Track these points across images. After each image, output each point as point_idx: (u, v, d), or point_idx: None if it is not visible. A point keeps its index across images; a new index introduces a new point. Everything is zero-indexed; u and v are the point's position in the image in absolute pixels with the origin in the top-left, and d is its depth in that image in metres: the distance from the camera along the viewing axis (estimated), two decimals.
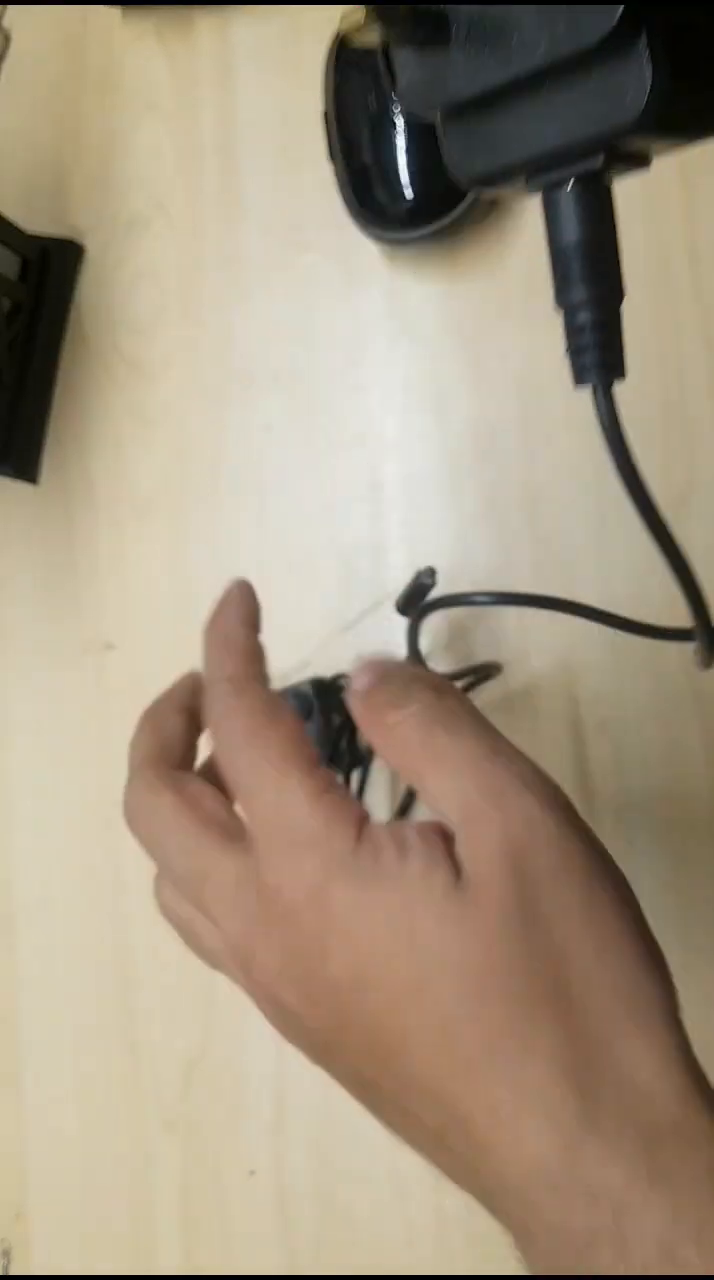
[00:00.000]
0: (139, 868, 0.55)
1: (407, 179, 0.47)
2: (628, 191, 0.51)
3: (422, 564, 0.51)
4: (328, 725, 0.44)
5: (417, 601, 0.44)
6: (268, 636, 0.53)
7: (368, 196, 0.48)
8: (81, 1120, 0.54)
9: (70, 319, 0.57)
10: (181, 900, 0.31)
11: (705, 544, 0.48)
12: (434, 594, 0.43)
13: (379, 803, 0.51)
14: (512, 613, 0.50)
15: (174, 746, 0.32)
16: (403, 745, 0.28)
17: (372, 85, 0.48)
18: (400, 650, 0.51)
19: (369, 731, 0.29)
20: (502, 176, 0.25)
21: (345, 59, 0.49)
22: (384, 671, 0.30)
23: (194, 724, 0.33)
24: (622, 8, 0.20)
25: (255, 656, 0.31)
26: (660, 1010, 0.25)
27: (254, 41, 0.55)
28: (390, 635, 0.51)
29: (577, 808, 0.28)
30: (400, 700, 0.28)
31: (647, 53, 0.21)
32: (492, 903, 0.25)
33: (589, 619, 0.37)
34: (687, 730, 0.48)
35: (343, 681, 0.47)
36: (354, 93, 0.48)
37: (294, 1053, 0.52)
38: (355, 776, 0.48)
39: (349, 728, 0.45)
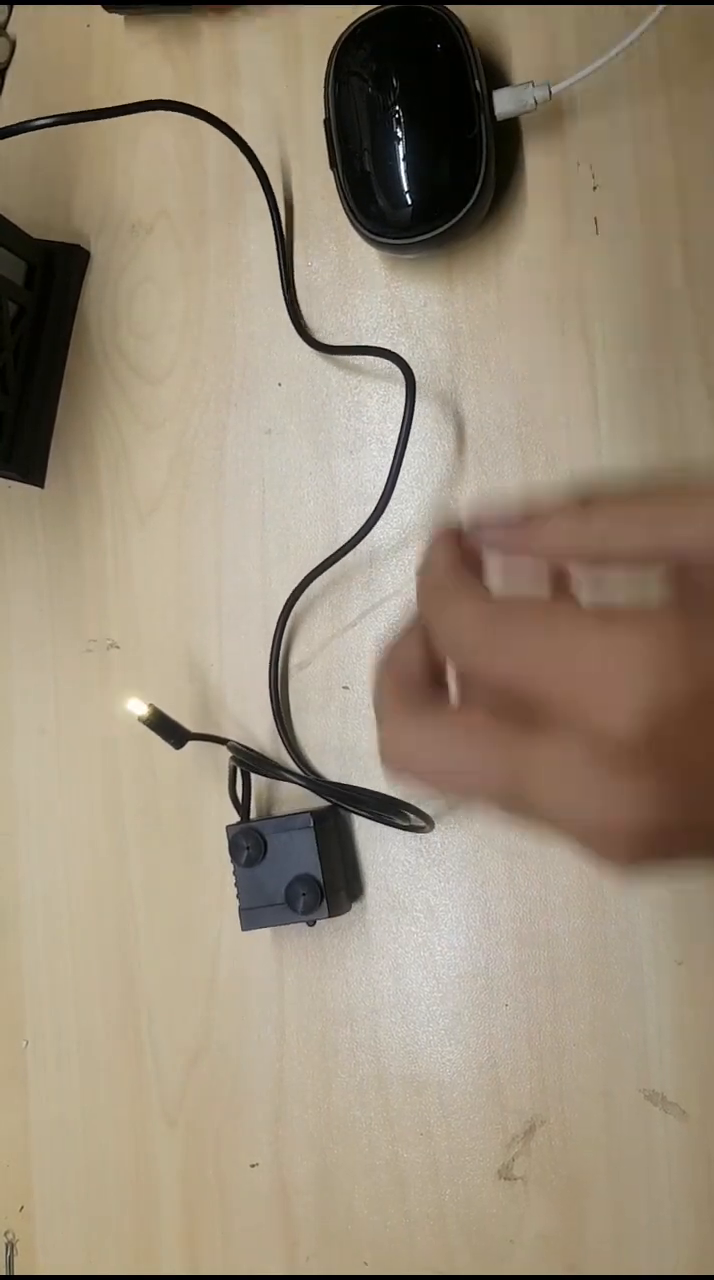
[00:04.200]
0: (143, 864, 0.55)
1: (407, 186, 0.48)
2: (628, 201, 0.52)
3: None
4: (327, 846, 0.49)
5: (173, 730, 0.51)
6: (267, 637, 0.53)
7: (368, 204, 0.49)
8: (85, 1113, 0.55)
9: (75, 324, 0.58)
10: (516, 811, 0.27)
11: None
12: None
13: None
14: None
15: (422, 679, 0.30)
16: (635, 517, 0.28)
17: (372, 94, 0.48)
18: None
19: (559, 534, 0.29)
20: None
21: (346, 68, 0.49)
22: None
23: (431, 655, 0.30)
24: None
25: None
26: None
27: (257, 49, 0.55)
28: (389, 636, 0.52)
29: None
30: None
31: None
32: None
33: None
34: None
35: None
36: (354, 101, 0.49)
37: (295, 1047, 0.53)
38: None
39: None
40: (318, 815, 0.49)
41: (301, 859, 0.49)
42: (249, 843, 0.49)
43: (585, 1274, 0.48)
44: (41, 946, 0.56)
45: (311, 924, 0.49)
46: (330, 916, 0.48)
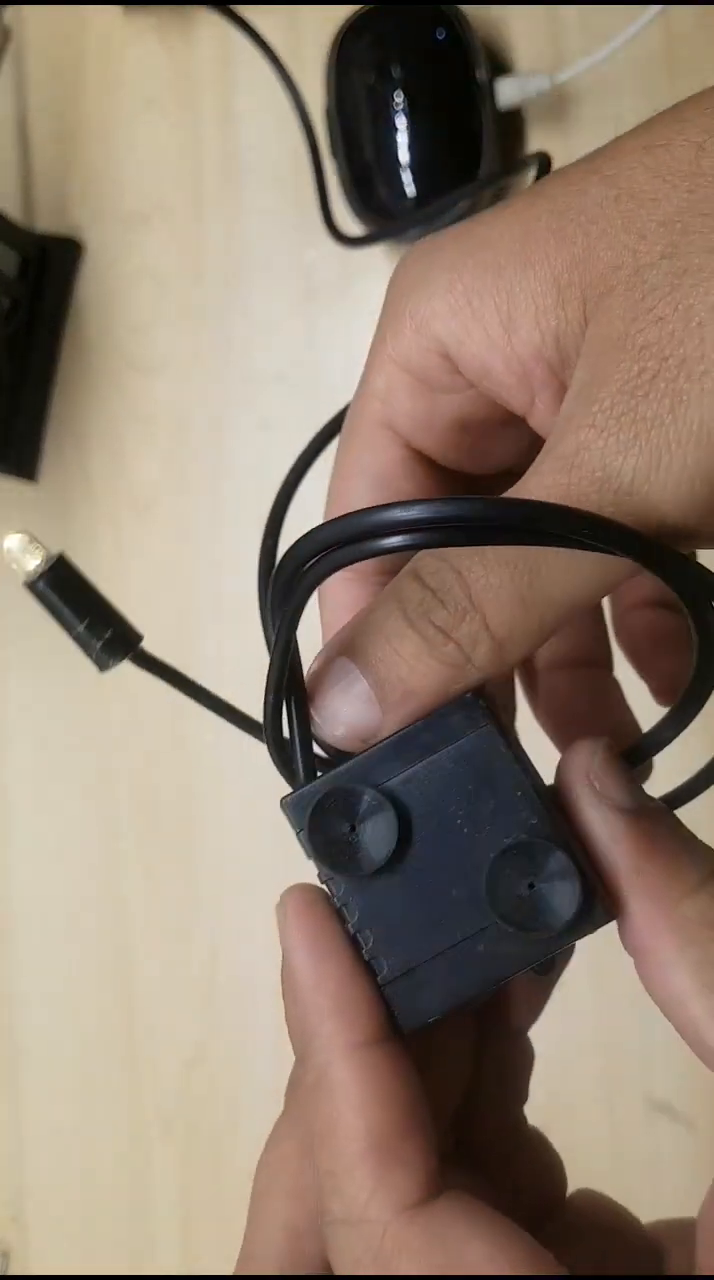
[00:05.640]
0: (139, 867, 0.54)
1: (409, 176, 0.47)
2: None
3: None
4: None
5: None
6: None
7: (370, 194, 0.48)
8: (79, 1122, 0.54)
9: (69, 316, 0.57)
10: None
11: None
12: None
13: None
14: None
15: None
16: None
17: (373, 83, 0.47)
18: None
19: (649, 932, 0.21)
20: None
21: (347, 57, 0.48)
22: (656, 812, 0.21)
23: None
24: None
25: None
26: None
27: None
28: None
29: None
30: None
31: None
32: None
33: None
34: None
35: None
36: (356, 90, 0.48)
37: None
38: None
39: None
40: (484, 697, 0.22)
41: (495, 807, 0.21)
42: (355, 811, 0.21)
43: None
44: (35, 951, 0.55)
45: (547, 971, 0.25)
46: (607, 919, 0.21)
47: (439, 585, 0.21)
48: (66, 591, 0.25)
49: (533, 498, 0.20)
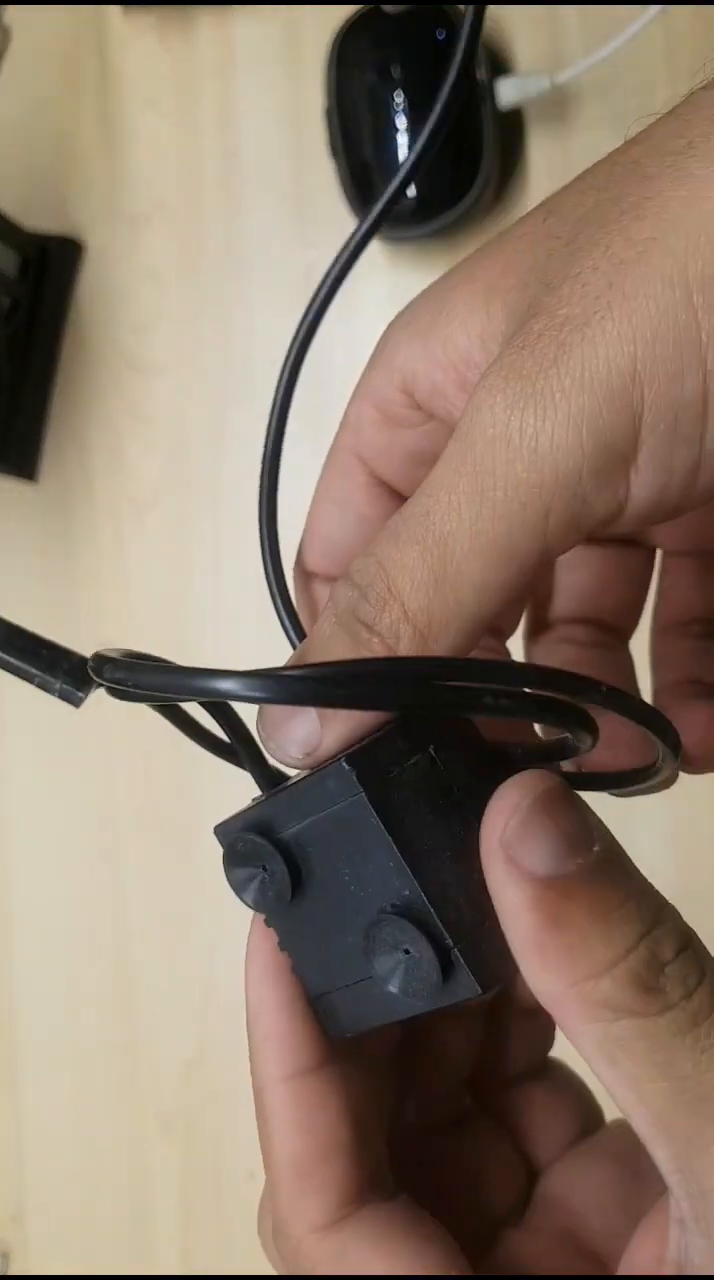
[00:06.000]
0: (137, 867, 0.54)
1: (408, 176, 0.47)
2: None
3: None
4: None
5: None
6: (266, 638, 0.52)
7: (370, 193, 0.48)
8: (79, 1122, 0.54)
9: (69, 316, 0.57)
10: None
11: None
12: None
13: None
14: None
15: None
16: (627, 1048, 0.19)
17: (373, 83, 0.47)
18: None
19: (545, 979, 0.19)
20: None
21: (347, 56, 0.48)
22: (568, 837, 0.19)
23: None
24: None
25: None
26: None
27: (255, 38, 0.54)
28: None
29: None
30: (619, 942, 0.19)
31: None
32: None
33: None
34: None
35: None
36: (356, 89, 0.48)
37: None
38: None
39: None
40: (366, 756, 0.21)
41: (373, 871, 0.21)
42: (258, 857, 0.23)
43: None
44: (34, 951, 0.55)
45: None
46: (484, 992, 0.21)
47: (365, 580, 0.21)
48: (10, 648, 0.23)
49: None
